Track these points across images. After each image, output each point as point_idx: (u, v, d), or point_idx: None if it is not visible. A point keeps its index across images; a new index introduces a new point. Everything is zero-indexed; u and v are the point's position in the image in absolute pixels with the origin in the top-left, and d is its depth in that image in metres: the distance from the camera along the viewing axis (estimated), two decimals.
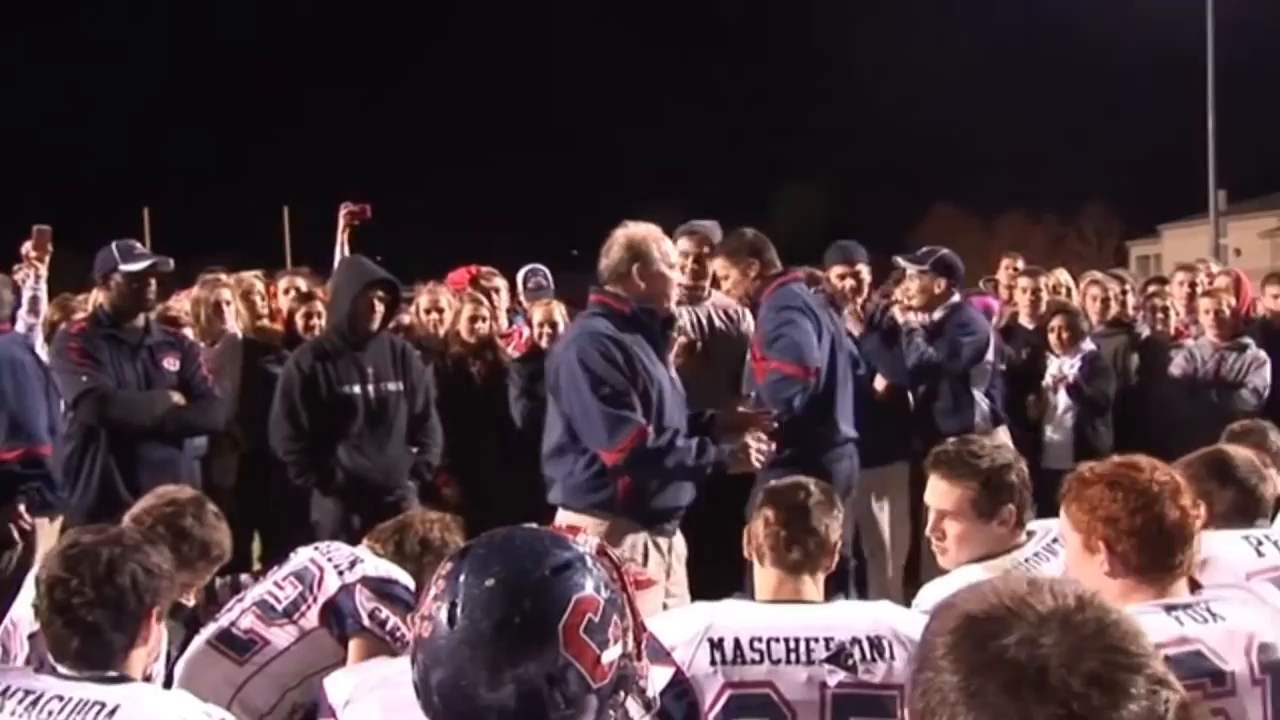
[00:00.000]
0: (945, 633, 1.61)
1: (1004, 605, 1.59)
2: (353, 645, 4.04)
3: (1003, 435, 7.43)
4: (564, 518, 5.25)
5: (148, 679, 3.36)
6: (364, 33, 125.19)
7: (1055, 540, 3.85)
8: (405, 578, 4.17)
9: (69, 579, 3.10)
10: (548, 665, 1.99)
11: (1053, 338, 8.17)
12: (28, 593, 4.20)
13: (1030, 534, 3.98)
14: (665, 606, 4.77)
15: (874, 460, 6.97)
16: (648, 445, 5.14)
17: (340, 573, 4.14)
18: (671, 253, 5.49)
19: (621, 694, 2.11)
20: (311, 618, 4.10)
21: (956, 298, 7.78)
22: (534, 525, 2.26)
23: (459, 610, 2.02)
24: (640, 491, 5.26)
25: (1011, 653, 1.53)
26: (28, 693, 3.06)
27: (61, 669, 3.12)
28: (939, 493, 3.97)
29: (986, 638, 1.56)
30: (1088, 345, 8.17)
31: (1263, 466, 4.25)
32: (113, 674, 3.10)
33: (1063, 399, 8.05)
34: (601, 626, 2.06)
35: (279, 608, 4.14)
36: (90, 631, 3.09)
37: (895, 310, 7.76)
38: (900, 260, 7.90)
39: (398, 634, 3.98)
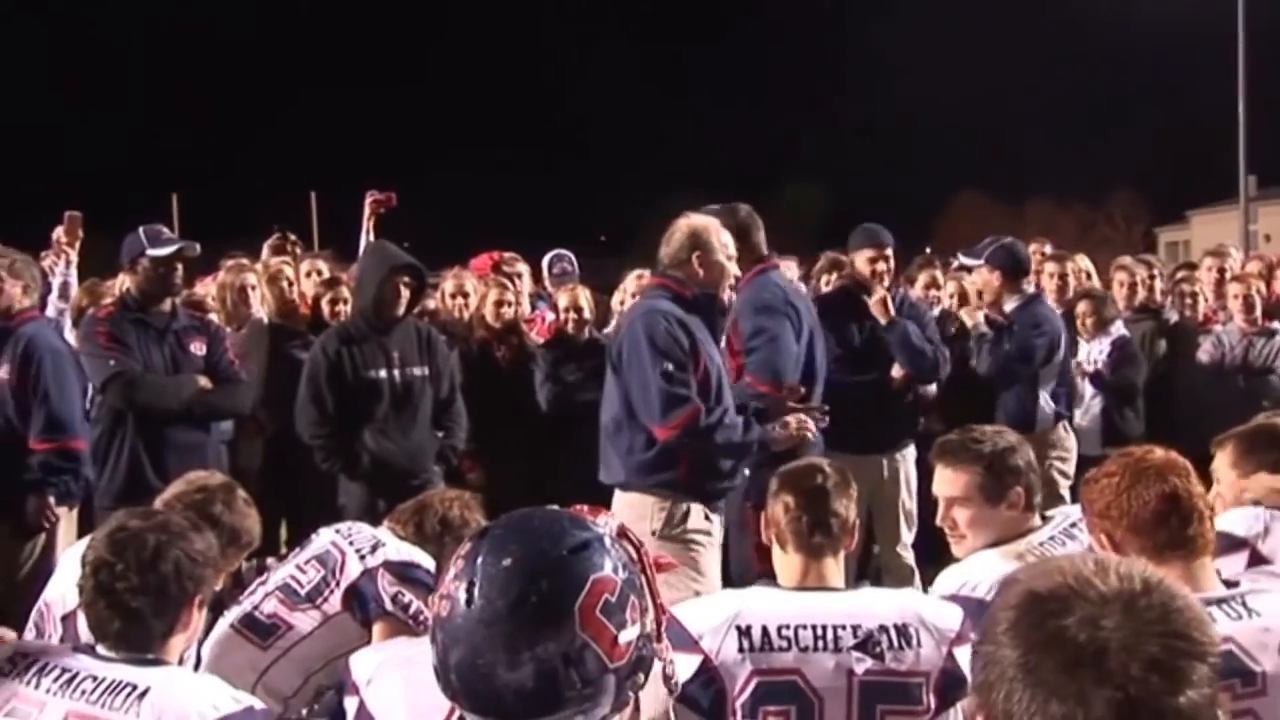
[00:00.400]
0: (1008, 608, 1.61)
1: (1068, 584, 1.59)
2: (376, 629, 4.05)
3: (1061, 433, 7.41)
4: (622, 500, 5.34)
5: (181, 663, 3.38)
6: (394, 20, 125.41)
7: (1074, 525, 3.86)
8: (427, 560, 4.17)
9: (114, 563, 3.13)
10: (564, 645, 1.99)
11: (1079, 324, 8.11)
12: (60, 576, 4.23)
13: (1047, 519, 3.97)
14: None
15: (885, 446, 7.04)
16: (700, 423, 5.22)
17: (362, 557, 4.14)
18: (730, 244, 5.53)
19: (640, 675, 2.11)
20: (335, 602, 4.10)
21: (1030, 289, 7.70)
22: (554, 507, 2.26)
23: (476, 590, 2.03)
24: (701, 470, 5.35)
25: (1071, 632, 1.53)
26: (64, 670, 3.10)
27: (100, 649, 3.16)
28: (945, 480, 3.97)
29: (1047, 615, 1.56)
30: (1118, 330, 8.12)
31: None
32: (149, 656, 3.14)
33: (1089, 386, 8.00)
34: (619, 607, 2.06)
35: (302, 592, 4.14)
36: (132, 616, 3.13)
37: (963, 312, 7.68)
38: (961, 257, 7.75)
39: (420, 617, 3.99)
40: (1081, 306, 8.15)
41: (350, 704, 2.76)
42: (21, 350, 6.26)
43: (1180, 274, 9.98)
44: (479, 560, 2.06)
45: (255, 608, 4.16)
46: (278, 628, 4.10)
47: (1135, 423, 7.95)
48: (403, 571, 4.10)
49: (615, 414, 5.44)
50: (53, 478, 6.26)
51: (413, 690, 2.29)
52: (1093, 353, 8.00)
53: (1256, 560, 3.57)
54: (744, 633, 3.31)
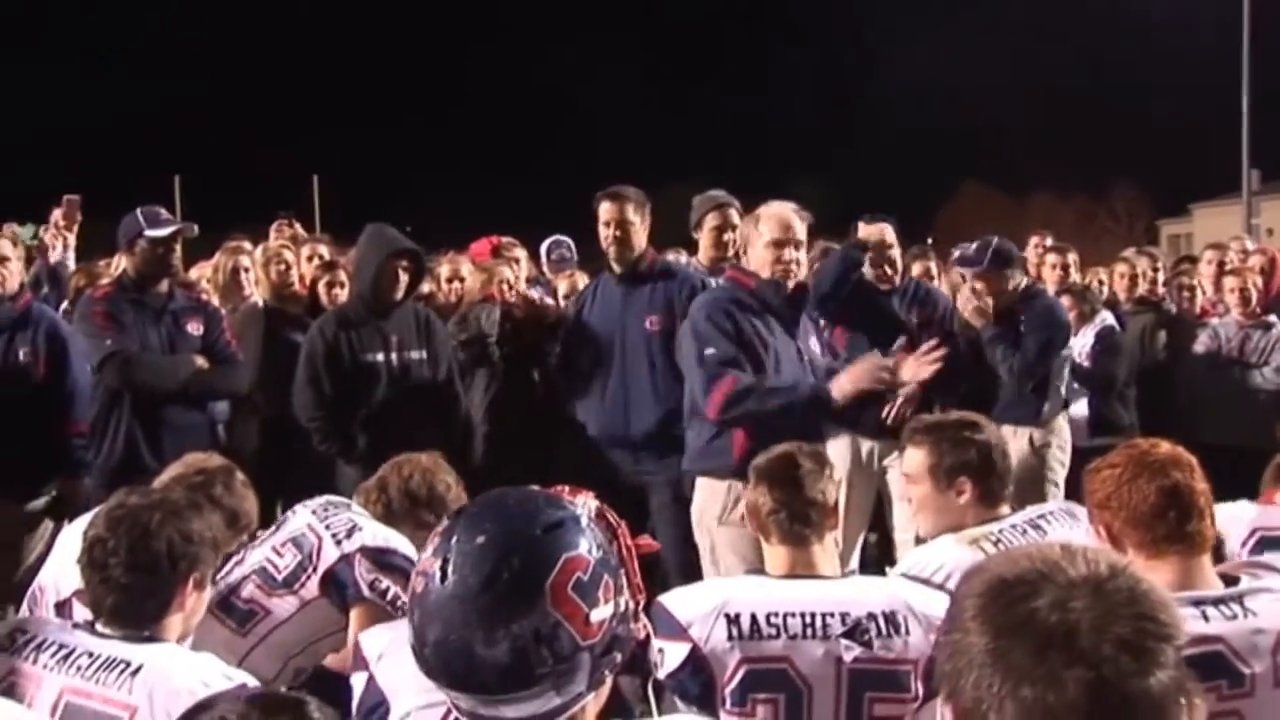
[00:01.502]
0: (975, 595, 1.61)
1: (1035, 569, 1.59)
2: (354, 614, 4.03)
3: (1062, 423, 7.41)
4: (696, 486, 5.60)
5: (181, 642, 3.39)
6: (398, 5, 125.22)
7: (1042, 516, 3.95)
8: (404, 545, 4.15)
9: (107, 539, 3.18)
10: (536, 622, 2.02)
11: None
12: (54, 559, 4.25)
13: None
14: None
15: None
16: (738, 388, 5.31)
17: (339, 542, 4.10)
18: (794, 229, 5.62)
19: (616, 655, 2.13)
20: (312, 587, 4.08)
21: (1023, 283, 7.59)
22: (534, 487, 2.28)
23: (450, 567, 2.06)
24: (756, 452, 5.26)
25: (1042, 614, 1.53)
26: (61, 646, 3.14)
27: (99, 626, 3.20)
28: (905, 458, 4.14)
29: (1016, 600, 1.56)
30: (1102, 321, 8.10)
31: None
32: (144, 634, 3.16)
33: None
34: (591, 586, 2.08)
35: (279, 577, 4.10)
36: (123, 591, 3.16)
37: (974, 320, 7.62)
38: (959, 271, 7.61)
39: (398, 603, 3.99)
40: (1064, 301, 8.11)
41: (358, 679, 2.77)
42: (45, 334, 6.33)
43: (1180, 267, 10.00)
44: (454, 538, 2.09)
45: (232, 591, 4.11)
46: (255, 613, 4.07)
47: (1124, 413, 7.95)
48: (379, 558, 4.07)
49: (688, 403, 5.69)
50: (83, 457, 6.37)
51: None
52: (1078, 345, 7.97)
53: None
54: (733, 620, 3.31)
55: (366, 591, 4.03)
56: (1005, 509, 4.00)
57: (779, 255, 5.54)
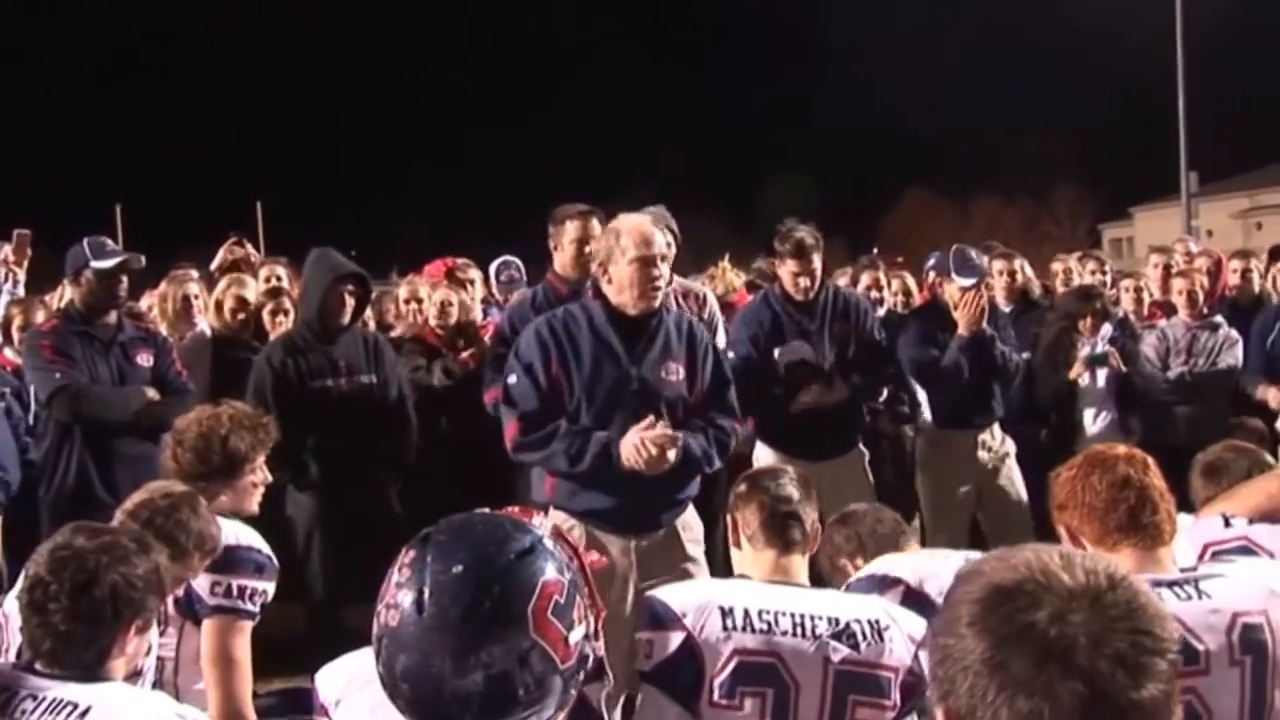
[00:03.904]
0: (971, 601, 1.62)
1: (1034, 578, 1.60)
2: (207, 628, 4.00)
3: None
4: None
5: (136, 675, 3.33)
6: (335, 27, 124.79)
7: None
8: (237, 532, 4.10)
9: (50, 582, 3.05)
10: (519, 649, 2.02)
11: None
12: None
13: None
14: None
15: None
16: (521, 439, 5.10)
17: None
18: (655, 244, 5.16)
19: (582, 674, 2.14)
20: (175, 616, 4.02)
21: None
22: (486, 510, 2.28)
23: (427, 597, 2.03)
24: (563, 490, 5.20)
25: (1040, 627, 1.55)
26: (3, 689, 3.03)
27: (38, 666, 3.09)
28: None
29: (1016, 611, 1.57)
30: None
31: None
32: (91, 674, 3.06)
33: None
34: (567, 608, 2.09)
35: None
36: (61, 638, 3.05)
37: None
38: (958, 279, 7.52)
39: (247, 591, 4.00)
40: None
41: None
42: None
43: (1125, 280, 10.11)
44: (427, 568, 2.07)
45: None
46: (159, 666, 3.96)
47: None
48: (209, 563, 3.99)
49: None
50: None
51: (379, 709, 2.28)
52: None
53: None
54: (727, 613, 3.36)
55: (210, 599, 3.99)
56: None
57: (648, 274, 5.06)
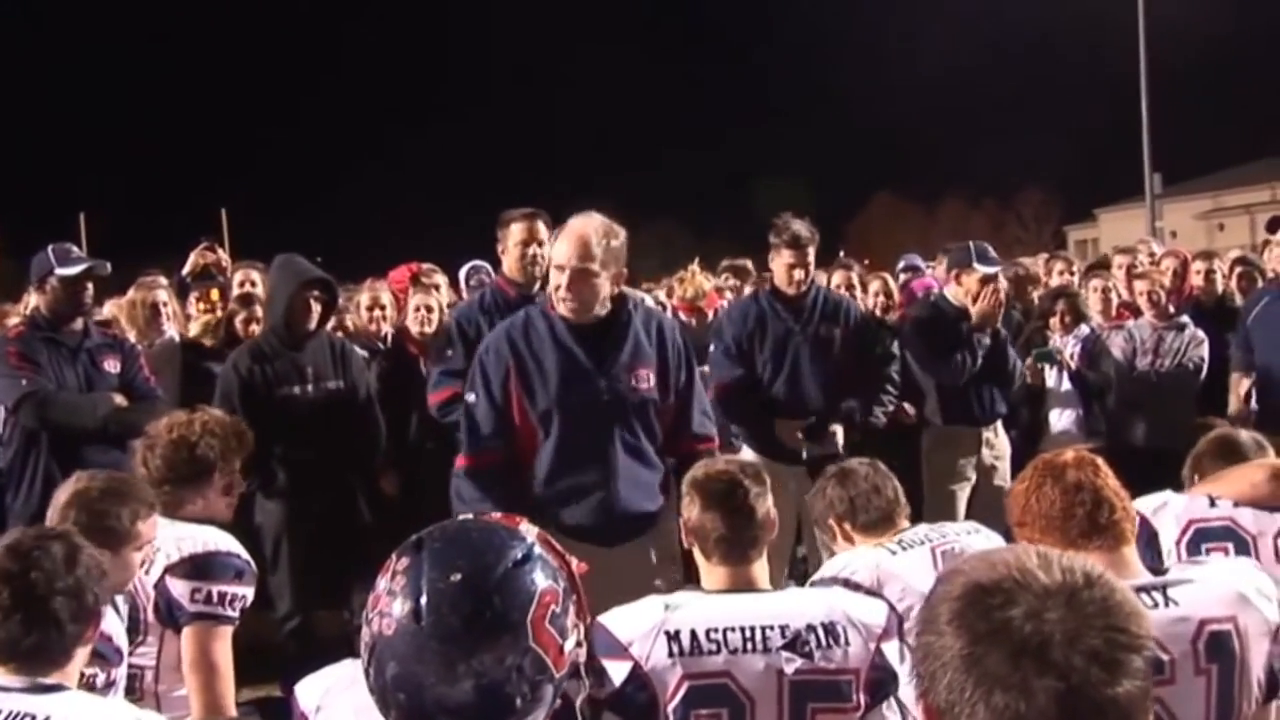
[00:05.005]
0: (951, 599, 1.64)
1: (1011, 576, 1.62)
2: (185, 635, 3.97)
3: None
4: None
5: (109, 686, 3.30)
6: (294, 27, 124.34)
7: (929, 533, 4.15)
8: (210, 538, 4.07)
9: (29, 570, 3.02)
10: (516, 658, 2.02)
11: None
12: None
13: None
14: None
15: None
16: (466, 469, 5.04)
17: (146, 572, 3.97)
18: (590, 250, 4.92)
19: (570, 679, 2.13)
20: (154, 622, 3.99)
21: None
22: (471, 516, 2.27)
23: (424, 606, 2.02)
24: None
25: (1016, 624, 1.56)
26: None
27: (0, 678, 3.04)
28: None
29: (992, 608, 1.59)
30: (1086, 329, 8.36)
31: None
32: (48, 683, 3.02)
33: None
34: (563, 616, 2.10)
35: (126, 643, 3.87)
36: (49, 623, 3.01)
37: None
38: (980, 268, 7.40)
39: (226, 597, 3.98)
40: (1060, 305, 8.33)
41: None
42: None
43: (1092, 272, 10.18)
44: (423, 576, 2.05)
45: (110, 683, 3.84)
46: (133, 678, 3.94)
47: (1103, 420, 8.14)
48: (190, 569, 3.98)
49: None
50: None
51: (362, 713, 2.27)
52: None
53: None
54: (673, 637, 3.29)
55: (190, 606, 3.96)
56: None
57: (558, 282, 4.91)
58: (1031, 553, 1.66)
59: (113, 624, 3.60)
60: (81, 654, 3.14)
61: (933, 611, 1.65)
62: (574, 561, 2.45)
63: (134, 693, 3.92)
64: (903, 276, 10.07)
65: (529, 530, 2.21)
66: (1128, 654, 1.56)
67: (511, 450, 4.98)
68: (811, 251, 7.06)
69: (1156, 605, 2.99)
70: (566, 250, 4.87)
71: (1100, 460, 3.31)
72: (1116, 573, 3.00)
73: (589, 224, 4.95)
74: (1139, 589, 3.00)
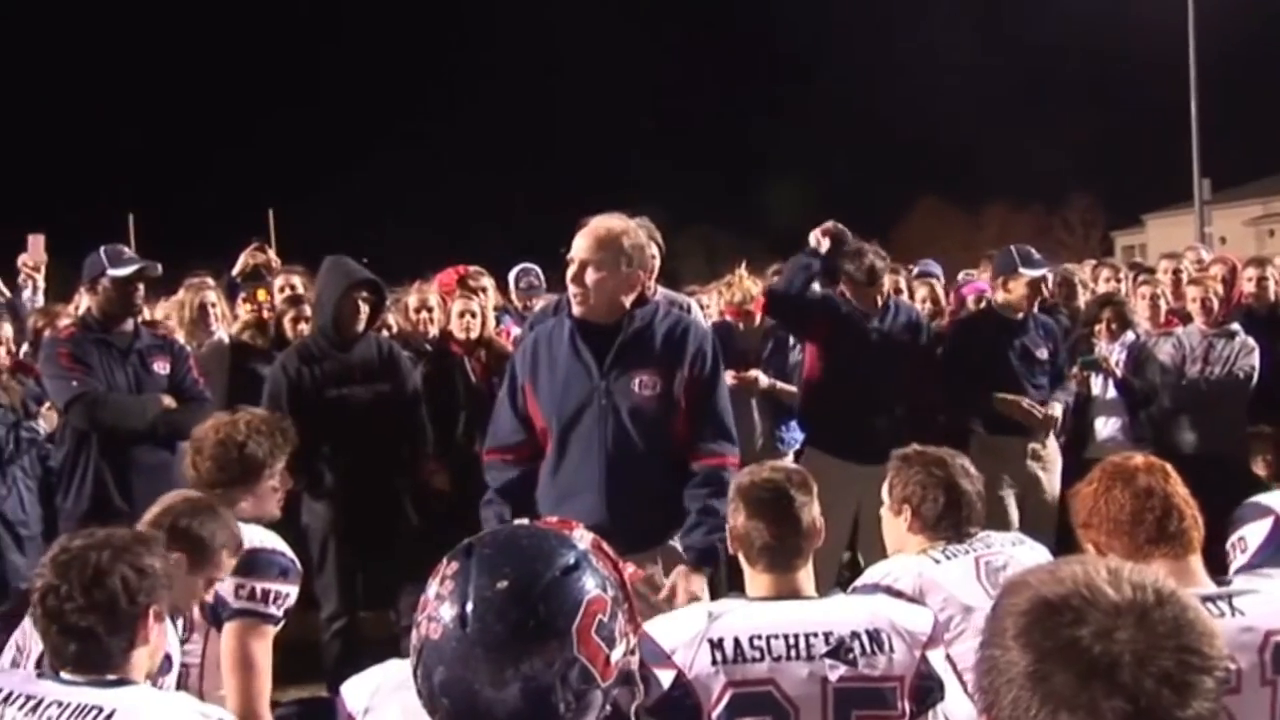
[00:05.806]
0: (1017, 613, 1.61)
1: (1080, 592, 1.59)
2: (227, 631, 4.00)
3: None
4: None
5: (150, 679, 3.33)
6: (352, 31, 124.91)
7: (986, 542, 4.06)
8: (258, 536, 4.11)
9: (59, 585, 3.06)
10: (562, 666, 2.02)
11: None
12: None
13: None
14: None
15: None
16: (486, 463, 5.13)
17: None
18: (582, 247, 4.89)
19: (621, 687, 2.13)
20: (199, 619, 4.03)
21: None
22: (526, 522, 2.27)
23: (470, 613, 2.03)
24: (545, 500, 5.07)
25: (1085, 643, 1.53)
26: (29, 698, 3.04)
27: (63, 674, 3.09)
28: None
29: (1061, 625, 1.56)
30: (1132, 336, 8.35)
31: None
32: (111, 677, 3.07)
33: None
34: (610, 625, 2.09)
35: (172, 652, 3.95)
36: (85, 636, 3.06)
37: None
38: (1026, 271, 7.44)
39: (270, 595, 4.01)
40: (1107, 313, 8.34)
41: None
42: None
43: (1140, 278, 10.10)
44: (471, 582, 2.06)
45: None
46: (184, 673, 3.96)
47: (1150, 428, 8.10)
48: (233, 567, 3.98)
49: None
50: None
51: (411, 714, 2.27)
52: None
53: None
54: (716, 645, 3.29)
55: (235, 602, 3.99)
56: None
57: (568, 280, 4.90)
58: (1100, 567, 1.63)
59: (167, 634, 3.63)
60: (139, 653, 3.15)
61: (999, 625, 1.63)
62: (629, 568, 2.45)
63: (179, 690, 3.94)
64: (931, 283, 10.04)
65: (582, 537, 2.21)
66: (1199, 675, 1.52)
67: (526, 450, 5.01)
68: (887, 280, 7.51)
69: (1223, 615, 2.98)
70: (575, 245, 4.88)
71: (1170, 467, 3.30)
72: (1182, 582, 2.99)
73: (602, 221, 4.92)
74: (1205, 598, 2.98)
